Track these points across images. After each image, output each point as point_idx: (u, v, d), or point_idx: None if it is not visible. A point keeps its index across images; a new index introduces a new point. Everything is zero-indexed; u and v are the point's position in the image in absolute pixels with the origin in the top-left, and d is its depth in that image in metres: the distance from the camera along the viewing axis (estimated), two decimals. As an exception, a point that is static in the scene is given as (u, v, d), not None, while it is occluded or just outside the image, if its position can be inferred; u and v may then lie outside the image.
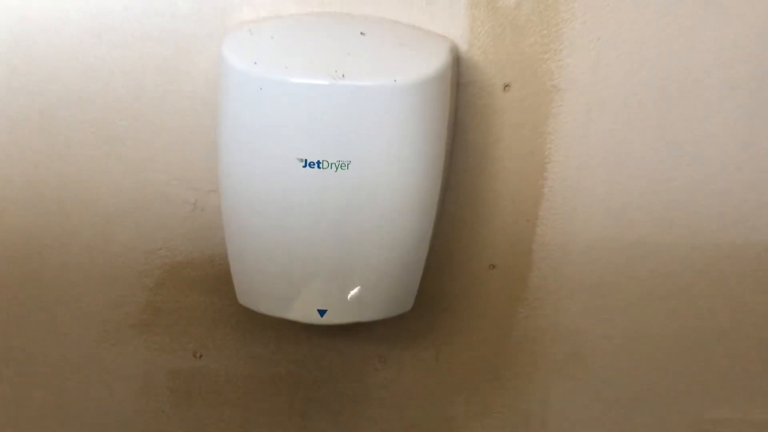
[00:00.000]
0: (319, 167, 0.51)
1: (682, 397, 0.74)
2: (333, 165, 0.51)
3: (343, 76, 0.49)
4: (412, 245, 0.56)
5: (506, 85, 0.62)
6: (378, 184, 0.52)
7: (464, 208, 0.66)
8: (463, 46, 0.60)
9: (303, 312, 0.56)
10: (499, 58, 0.60)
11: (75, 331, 0.72)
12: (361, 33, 0.54)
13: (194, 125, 0.62)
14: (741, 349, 0.72)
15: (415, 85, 0.51)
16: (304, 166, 0.51)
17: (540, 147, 0.64)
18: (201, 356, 0.74)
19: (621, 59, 0.60)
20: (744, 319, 0.70)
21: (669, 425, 0.75)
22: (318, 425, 0.77)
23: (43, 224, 0.67)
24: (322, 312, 0.56)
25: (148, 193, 0.66)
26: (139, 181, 0.65)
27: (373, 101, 0.50)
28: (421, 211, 0.55)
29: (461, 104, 0.62)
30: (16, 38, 0.60)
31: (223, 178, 0.56)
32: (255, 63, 0.51)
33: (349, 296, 0.56)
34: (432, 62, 0.52)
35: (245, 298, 0.58)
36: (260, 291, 0.57)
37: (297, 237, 0.54)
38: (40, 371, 0.75)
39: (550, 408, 0.75)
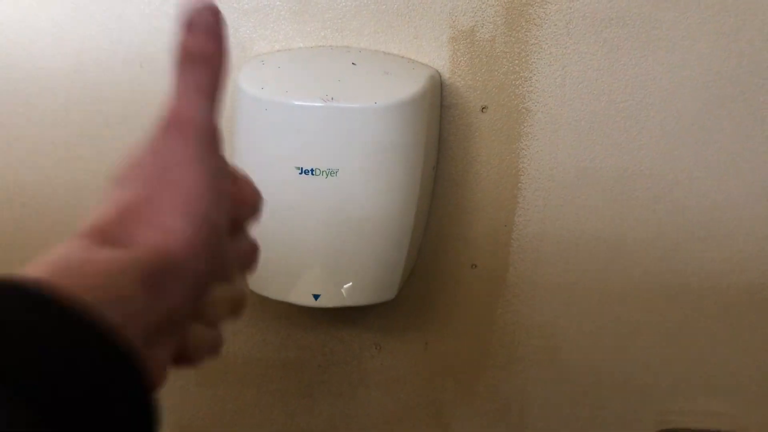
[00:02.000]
0: (312, 174, 0.60)
1: (648, 388, 0.79)
2: (324, 172, 0.60)
3: (332, 99, 0.59)
4: (391, 241, 0.64)
5: (484, 107, 0.70)
6: (362, 189, 0.61)
7: (449, 214, 0.74)
8: (446, 74, 0.69)
9: (300, 296, 0.65)
10: (477, 84, 0.69)
11: None
12: (353, 63, 0.64)
13: None
14: (702, 344, 0.77)
15: (393, 107, 0.60)
16: (300, 173, 0.60)
17: (514, 161, 0.71)
18: (222, 341, 0.82)
19: (584, 84, 0.68)
20: (704, 316, 0.76)
21: (636, 413, 0.80)
22: (322, 405, 0.84)
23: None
24: (316, 296, 0.64)
25: None
26: None
27: (357, 120, 0.59)
28: (400, 213, 0.64)
29: (444, 124, 0.70)
30: (74, 68, 0.71)
31: None
32: (262, 88, 0.61)
33: (342, 289, 0.65)
34: (410, 88, 0.62)
35: (254, 285, 0.67)
36: (266, 278, 0.66)
37: (295, 233, 0.63)
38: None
39: (528, 394, 0.81)
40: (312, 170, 0.60)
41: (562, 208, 0.73)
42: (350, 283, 0.64)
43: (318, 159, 0.60)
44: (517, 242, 0.75)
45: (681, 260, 0.73)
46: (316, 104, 0.59)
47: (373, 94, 0.60)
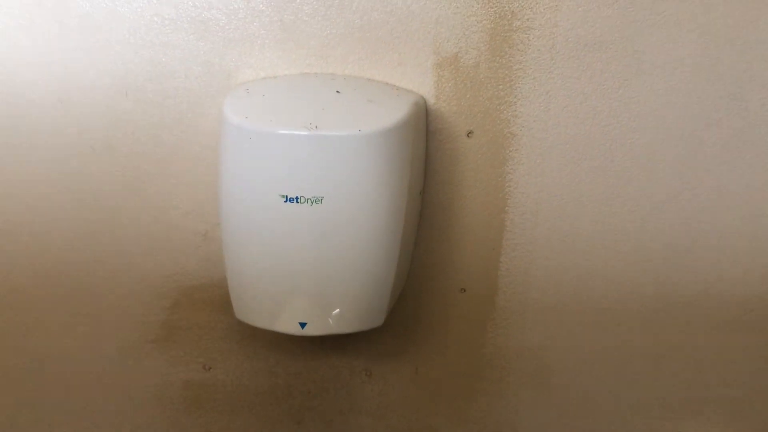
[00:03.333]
0: (297, 202, 0.60)
1: (640, 411, 0.78)
2: (309, 200, 0.60)
3: (316, 127, 0.59)
4: (378, 268, 0.64)
5: (469, 132, 0.70)
6: (347, 216, 0.61)
7: (436, 238, 0.74)
8: (431, 100, 0.69)
9: (287, 324, 0.64)
10: (463, 109, 0.69)
11: (101, 346, 0.80)
12: (337, 91, 0.64)
13: (205, 168, 0.71)
14: (693, 367, 0.76)
15: (377, 134, 0.60)
16: (285, 201, 0.60)
17: (501, 185, 0.71)
18: (210, 369, 0.81)
19: (568, 109, 0.68)
20: (695, 338, 0.75)
21: (629, 436, 0.80)
22: (312, 432, 0.84)
23: (76, 252, 0.76)
24: (303, 324, 0.64)
25: (166, 225, 0.74)
26: (158, 216, 0.74)
27: (341, 148, 0.59)
28: (385, 240, 0.63)
29: (431, 149, 0.70)
30: (59, 97, 0.70)
31: (222, 212, 0.65)
32: (246, 117, 0.60)
33: (330, 315, 0.64)
34: (393, 115, 0.61)
35: (240, 313, 0.67)
36: (252, 306, 0.65)
37: (280, 261, 0.62)
38: (69, 380, 0.81)
39: (520, 418, 0.80)
40: (297, 198, 0.60)
41: (550, 230, 0.73)
42: (338, 310, 0.63)
43: (303, 187, 0.60)
44: (506, 265, 0.74)
45: (670, 281, 0.73)
46: (301, 133, 0.59)
47: (357, 121, 0.60)
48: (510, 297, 0.75)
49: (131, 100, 0.70)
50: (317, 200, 0.60)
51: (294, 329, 0.64)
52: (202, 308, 0.78)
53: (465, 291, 0.76)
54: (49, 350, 0.80)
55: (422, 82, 0.68)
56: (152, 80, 0.69)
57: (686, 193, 0.70)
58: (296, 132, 0.59)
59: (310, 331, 0.63)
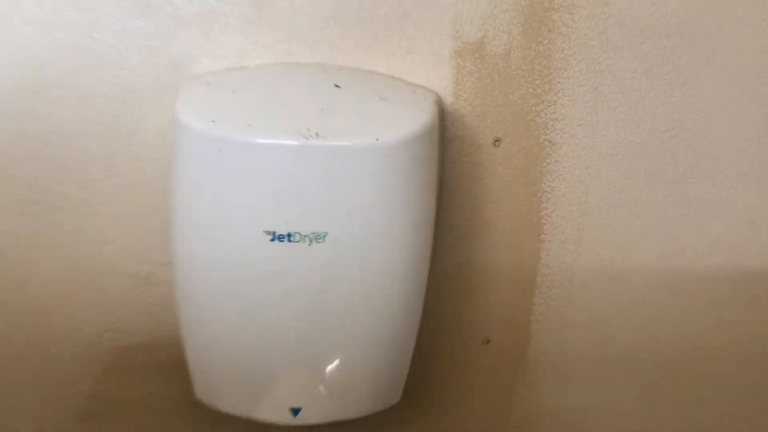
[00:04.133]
0: (289, 240, 0.46)
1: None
2: (306, 238, 0.46)
3: (317, 135, 0.44)
4: (399, 329, 0.51)
5: (496, 140, 0.59)
6: (359, 258, 0.47)
7: (454, 276, 0.63)
8: (448, 99, 0.57)
9: (273, 411, 0.49)
10: (488, 111, 0.58)
11: (10, 430, 0.67)
12: (336, 85, 0.49)
13: (146, 190, 0.58)
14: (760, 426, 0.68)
15: (401, 144, 0.46)
16: (273, 240, 0.46)
17: (535, 207, 0.61)
18: (156, 453, 0.67)
19: (620, 110, 0.58)
20: (755, 394, 0.67)
21: None
22: None
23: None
24: (295, 411, 0.50)
25: (93, 267, 0.61)
26: (81, 254, 0.61)
27: (353, 163, 0.45)
28: (409, 289, 0.50)
29: (447, 162, 0.59)
30: None
31: (177, 252, 0.50)
32: (213, 121, 0.45)
33: (334, 396, 0.50)
34: (418, 118, 0.48)
35: (203, 393, 0.52)
36: (221, 385, 0.51)
37: (265, 322, 0.48)
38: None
39: (554, 498, 0.70)
40: (289, 235, 0.46)
41: (595, 264, 0.63)
42: (344, 388, 0.48)
43: (297, 220, 0.46)
44: (540, 308, 0.64)
45: (745, 331, 0.64)
46: (294, 143, 0.44)
47: (372, 126, 0.46)
48: (544, 348, 0.66)
49: (44, 100, 0.56)
50: (318, 237, 0.46)
51: (283, 418, 0.50)
52: (143, 374, 0.65)
53: (489, 342, 0.66)
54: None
55: (437, 76, 0.56)
56: (73, 73, 0.55)
57: (753, 206, 0.61)
58: (288, 141, 0.44)
59: (306, 418, 0.50)
